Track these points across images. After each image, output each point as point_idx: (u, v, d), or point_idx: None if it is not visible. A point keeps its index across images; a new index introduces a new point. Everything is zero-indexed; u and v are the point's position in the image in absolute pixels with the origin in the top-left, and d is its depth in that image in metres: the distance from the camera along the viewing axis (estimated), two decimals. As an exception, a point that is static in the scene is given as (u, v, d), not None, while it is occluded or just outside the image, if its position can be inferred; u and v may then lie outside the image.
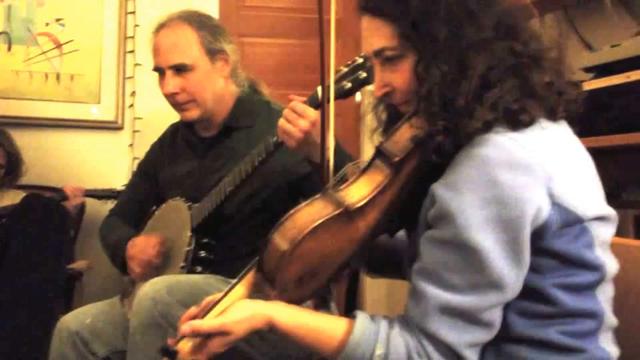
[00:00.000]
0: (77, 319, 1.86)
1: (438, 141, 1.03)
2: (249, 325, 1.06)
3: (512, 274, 0.99)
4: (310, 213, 1.07)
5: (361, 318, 1.06)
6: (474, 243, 0.97)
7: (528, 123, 1.02)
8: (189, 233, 1.80)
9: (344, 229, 1.07)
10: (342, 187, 1.12)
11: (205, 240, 1.80)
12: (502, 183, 0.96)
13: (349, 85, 1.45)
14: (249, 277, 1.12)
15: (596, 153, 1.15)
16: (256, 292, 1.12)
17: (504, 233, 0.97)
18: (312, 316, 1.09)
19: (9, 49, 3.24)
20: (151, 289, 1.54)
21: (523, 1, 2.29)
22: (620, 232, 1.41)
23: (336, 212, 1.06)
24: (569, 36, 2.57)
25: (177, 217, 1.88)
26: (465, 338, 1.01)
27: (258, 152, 1.65)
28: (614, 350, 1.11)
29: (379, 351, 1.02)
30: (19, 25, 3.24)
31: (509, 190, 0.96)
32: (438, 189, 1.02)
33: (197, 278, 1.68)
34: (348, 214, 1.06)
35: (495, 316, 1.02)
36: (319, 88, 1.50)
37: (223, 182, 1.75)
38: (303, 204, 1.09)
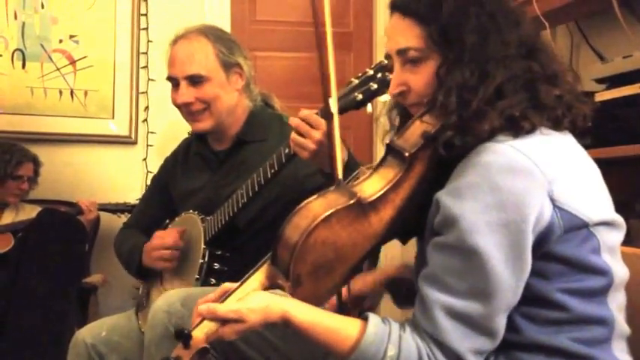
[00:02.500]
0: (93, 332, 1.88)
1: (448, 135, 1.06)
2: (264, 315, 1.07)
3: (512, 280, 1.01)
4: (323, 203, 1.08)
5: (373, 319, 1.07)
6: (476, 247, 0.99)
7: (529, 130, 1.05)
8: (202, 246, 1.81)
9: (357, 223, 1.08)
10: (355, 182, 1.14)
11: (219, 252, 1.81)
12: (503, 188, 0.99)
13: (360, 96, 1.46)
14: (264, 269, 1.13)
15: (608, 163, 1.15)
16: (271, 284, 1.12)
17: (506, 237, 0.99)
18: (327, 315, 1.10)
19: (23, 66, 3.29)
20: (165, 301, 1.55)
21: (534, 13, 2.30)
22: (633, 243, 1.41)
23: (350, 202, 1.07)
24: (581, 47, 2.57)
25: (190, 230, 1.89)
26: (470, 344, 1.02)
27: (270, 164, 1.66)
28: (626, 359, 1.10)
29: (391, 352, 1.03)
30: (34, 42, 3.29)
31: (510, 195, 0.99)
32: (442, 196, 1.05)
33: (211, 290, 1.68)
34: (362, 207, 1.07)
35: (499, 324, 1.03)
36: (331, 100, 1.51)
37: (236, 194, 1.76)
38: (316, 195, 1.11)
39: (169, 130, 3.24)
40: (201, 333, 1.07)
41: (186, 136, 2.12)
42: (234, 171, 1.90)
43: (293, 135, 1.52)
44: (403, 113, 1.26)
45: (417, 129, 1.11)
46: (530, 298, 1.04)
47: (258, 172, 1.69)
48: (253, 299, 1.08)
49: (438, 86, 1.11)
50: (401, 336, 1.04)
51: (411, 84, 1.16)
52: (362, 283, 1.40)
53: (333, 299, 1.25)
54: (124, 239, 2.08)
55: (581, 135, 1.15)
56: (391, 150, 1.13)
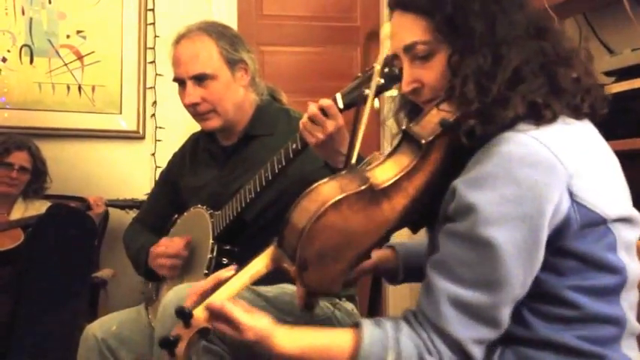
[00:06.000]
0: (103, 326, 1.88)
1: (471, 124, 1.03)
2: (257, 340, 1.06)
3: (521, 274, 1.00)
4: (334, 187, 1.05)
5: (367, 327, 1.05)
6: (489, 238, 0.98)
7: (551, 119, 1.03)
8: (211, 240, 1.81)
9: (369, 209, 1.05)
10: (367, 168, 1.10)
11: (227, 247, 1.81)
12: (522, 181, 0.97)
13: (367, 91, 1.46)
14: (270, 251, 1.11)
15: (618, 156, 1.14)
16: (275, 267, 1.11)
17: (521, 231, 0.98)
18: (318, 335, 1.09)
19: (31, 61, 3.30)
20: (174, 296, 1.55)
21: (541, 5, 2.29)
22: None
23: (361, 188, 1.04)
24: (590, 40, 2.56)
25: (199, 225, 1.89)
26: (472, 334, 1.01)
27: (278, 159, 1.66)
28: (635, 356, 1.09)
29: (390, 358, 1.02)
30: (41, 37, 3.30)
31: (528, 188, 0.97)
32: (459, 184, 1.02)
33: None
34: (373, 193, 1.04)
35: (504, 315, 1.02)
36: (338, 95, 1.51)
37: (244, 189, 1.76)
38: (327, 178, 1.07)
39: (177, 124, 3.24)
40: (201, 313, 1.06)
41: (195, 131, 2.13)
42: (242, 166, 1.90)
43: (305, 120, 1.51)
44: (413, 112, 1.24)
45: (434, 117, 1.08)
46: (541, 294, 1.03)
47: (265, 167, 1.69)
48: (260, 322, 1.07)
49: (453, 76, 1.07)
50: (398, 338, 1.03)
51: (424, 79, 1.13)
52: None
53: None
54: (133, 238, 2.09)
55: (595, 125, 1.13)
56: (407, 136, 1.10)
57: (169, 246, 1.88)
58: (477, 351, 1.03)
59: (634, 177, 1.77)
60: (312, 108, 1.49)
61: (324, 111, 1.48)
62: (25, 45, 3.29)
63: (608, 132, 1.87)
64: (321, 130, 1.48)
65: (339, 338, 1.07)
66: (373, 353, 1.02)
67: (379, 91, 1.48)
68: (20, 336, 2.36)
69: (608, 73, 2.07)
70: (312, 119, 1.49)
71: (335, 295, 1.78)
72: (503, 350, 1.07)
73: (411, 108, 1.25)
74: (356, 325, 1.07)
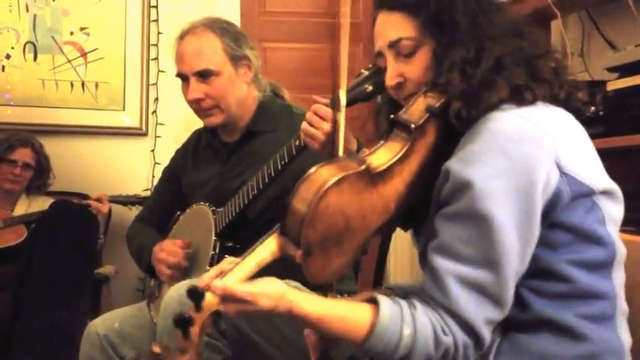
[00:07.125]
0: (105, 323, 1.89)
1: (457, 106, 1.07)
2: (274, 303, 1.04)
3: (519, 246, 1.01)
4: (332, 168, 1.06)
5: (384, 302, 1.06)
6: (487, 212, 1.00)
7: (531, 101, 1.07)
8: (213, 237, 1.82)
9: (367, 192, 1.06)
10: (362, 155, 1.12)
11: (230, 244, 1.81)
12: (513, 155, 1.00)
13: (370, 88, 1.46)
14: (274, 238, 1.10)
15: (621, 152, 1.15)
16: (282, 254, 1.10)
17: (516, 204, 1.00)
18: (336, 304, 1.08)
19: (35, 58, 3.31)
20: (176, 292, 1.56)
21: (545, 1, 2.29)
22: (646, 232, 1.39)
23: (361, 168, 1.05)
24: (593, 36, 2.56)
25: (201, 222, 1.90)
26: (482, 313, 1.02)
27: (280, 156, 1.66)
28: (628, 339, 1.11)
29: (407, 331, 1.02)
30: (45, 34, 3.31)
31: (519, 162, 1.00)
32: (452, 164, 1.05)
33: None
34: (371, 176, 1.06)
35: (509, 292, 1.03)
36: (341, 91, 1.51)
37: (247, 186, 1.76)
38: (324, 162, 1.08)
39: (177, 121, 3.25)
40: (214, 297, 1.04)
41: (195, 127, 2.13)
42: (243, 162, 1.90)
43: (304, 126, 1.52)
44: (393, 111, 1.23)
45: (420, 104, 1.12)
46: (537, 271, 1.05)
47: (268, 164, 1.69)
48: (269, 285, 1.05)
49: (437, 66, 1.12)
50: (413, 314, 1.04)
51: (407, 74, 1.17)
52: None
53: (312, 338, 1.20)
54: (136, 235, 2.10)
55: (592, 124, 1.14)
56: (397, 124, 1.13)
57: (171, 253, 1.87)
58: (487, 333, 1.04)
59: (636, 172, 1.77)
60: (308, 115, 1.51)
61: (317, 113, 1.49)
62: (29, 42, 3.30)
63: (611, 128, 1.88)
64: (319, 132, 1.49)
65: (357, 310, 1.07)
66: (391, 327, 1.03)
67: (382, 87, 1.48)
68: (22, 332, 2.37)
69: (611, 69, 2.07)
70: (309, 123, 1.50)
71: (336, 291, 1.78)
72: (501, 342, 1.09)
73: (391, 108, 1.26)
74: (371, 301, 1.08)
